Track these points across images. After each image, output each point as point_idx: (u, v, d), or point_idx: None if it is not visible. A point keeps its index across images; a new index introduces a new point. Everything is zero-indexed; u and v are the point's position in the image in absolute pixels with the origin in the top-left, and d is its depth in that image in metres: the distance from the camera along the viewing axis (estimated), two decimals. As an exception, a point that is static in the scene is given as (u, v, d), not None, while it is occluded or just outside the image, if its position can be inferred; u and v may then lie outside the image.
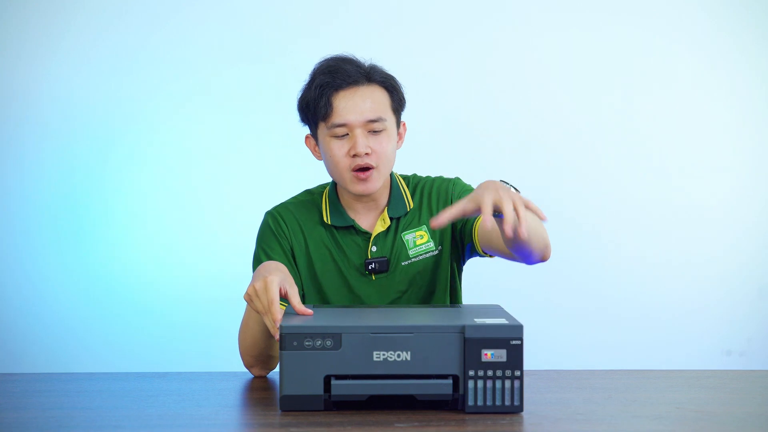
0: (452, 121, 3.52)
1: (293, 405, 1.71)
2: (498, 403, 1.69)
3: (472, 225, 2.20)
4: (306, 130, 2.24)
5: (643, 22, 3.55)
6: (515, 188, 1.95)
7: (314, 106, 2.14)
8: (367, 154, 2.12)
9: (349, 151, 2.13)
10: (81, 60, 3.44)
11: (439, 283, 2.25)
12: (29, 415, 1.75)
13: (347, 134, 2.13)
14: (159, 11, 3.45)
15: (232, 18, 3.47)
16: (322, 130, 2.15)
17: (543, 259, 2.10)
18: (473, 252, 2.25)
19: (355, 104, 2.12)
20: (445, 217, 1.82)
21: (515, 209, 1.75)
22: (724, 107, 3.57)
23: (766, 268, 3.58)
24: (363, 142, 2.12)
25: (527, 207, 1.78)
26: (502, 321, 1.74)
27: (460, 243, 2.26)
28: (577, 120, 3.55)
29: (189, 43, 3.46)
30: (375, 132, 2.14)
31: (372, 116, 2.13)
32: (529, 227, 1.90)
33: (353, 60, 2.18)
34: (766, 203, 3.58)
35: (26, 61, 3.43)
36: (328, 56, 2.19)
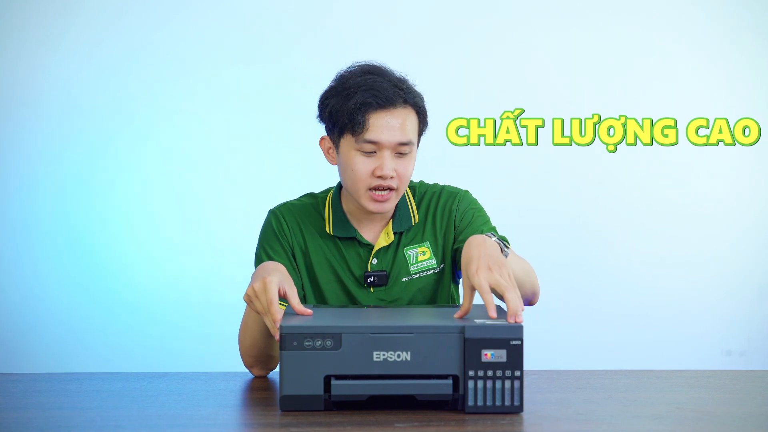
0: (451, 121, 3.52)
1: (293, 405, 1.71)
2: (498, 403, 1.70)
3: None
4: (319, 130, 2.21)
5: (643, 22, 3.55)
6: (503, 243, 1.94)
7: (347, 120, 2.09)
8: (392, 177, 2.11)
9: (374, 170, 2.10)
10: (81, 60, 3.44)
11: (439, 300, 2.23)
12: (29, 415, 1.75)
13: (374, 152, 2.11)
14: (159, 11, 3.46)
15: (232, 18, 3.47)
16: (348, 141, 2.12)
17: (529, 304, 2.16)
18: None
19: (390, 125, 2.09)
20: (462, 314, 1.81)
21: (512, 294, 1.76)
22: (724, 107, 3.57)
23: (766, 268, 3.58)
24: (390, 164, 2.10)
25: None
26: (502, 321, 1.74)
27: (453, 264, 2.26)
28: (576, 119, 3.54)
29: (189, 43, 3.46)
30: (401, 154, 2.12)
31: (403, 139, 2.10)
32: (517, 277, 1.97)
33: (389, 74, 2.14)
34: (766, 203, 3.58)
35: (26, 61, 3.43)
36: (364, 66, 2.15)
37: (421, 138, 2.20)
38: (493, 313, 1.76)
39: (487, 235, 1.93)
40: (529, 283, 2.10)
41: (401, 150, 2.11)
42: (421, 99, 2.16)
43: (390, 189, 2.12)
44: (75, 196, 3.44)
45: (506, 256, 1.95)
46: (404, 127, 2.11)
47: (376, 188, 2.11)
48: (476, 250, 1.85)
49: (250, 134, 3.49)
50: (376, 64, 2.16)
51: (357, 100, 2.09)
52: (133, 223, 3.46)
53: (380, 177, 2.10)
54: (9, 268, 3.43)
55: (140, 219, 3.46)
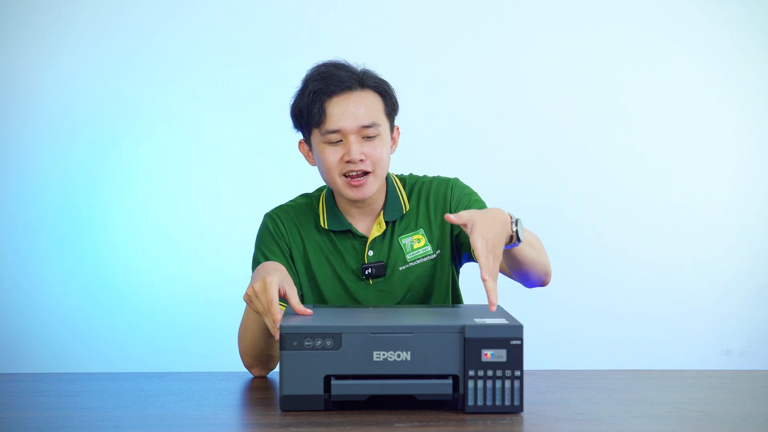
0: (452, 122, 3.52)
1: (293, 405, 1.71)
2: (498, 403, 1.70)
3: None
4: (299, 136, 2.23)
5: (643, 23, 3.55)
6: (516, 223, 1.93)
7: (307, 113, 2.13)
8: (361, 160, 2.11)
9: (342, 157, 2.11)
10: (81, 60, 3.44)
11: (437, 287, 2.23)
12: (29, 415, 1.76)
13: (341, 140, 2.12)
14: (159, 11, 3.45)
15: (232, 18, 3.47)
16: (315, 136, 2.14)
17: (542, 285, 2.17)
18: (470, 259, 2.25)
19: (349, 110, 2.11)
20: (453, 220, 1.87)
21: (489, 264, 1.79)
22: (724, 107, 3.57)
23: (766, 268, 3.58)
24: (357, 148, 2.11)
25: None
26: (502, 321, 1.74)
27: (457, 249, 2.25)
28: (577, 120, 3.55)
29: (189, 43, 3.46)
30: (369, 138, 2.13)
31: (366, 122, 2.12)
32: (531, 255, 2.03)
33: (345, 65, 2.16)
34: (766, 203, 3.58)
35: (26, 61, 3.43)
36: (320, 63, 2.18)
37: (394, 121, 2.20)
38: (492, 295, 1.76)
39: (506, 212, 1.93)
40: (540, 265, 2.09)
41: (367, 133, 2.12)
42: (384, 83, 2.17)
43: (364, 173, 2.13)
44: (75, 195, 3.44)
45: (518, 236, 1.93)
46: (365, 111, 2.12)
47: (348, 174, 2.12)
48: (489, 216, 1.86)
49: (251, 134, 3.48)
50: (333, 60, 2.18)
51: (310, 90, 2.13)
52: (133, 223, 3.46)
53: (349, 162, 2.11)
54: (9, 267, 3.43)
55: (140, 219, 3.46)
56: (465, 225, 1.85)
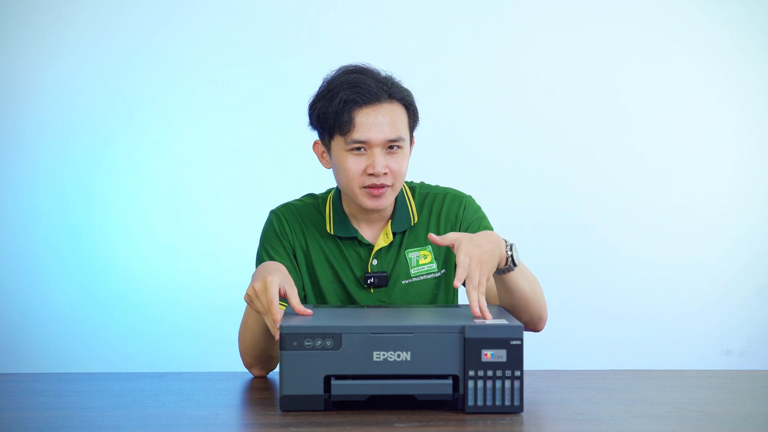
0: (451, 122, 3.52)
1: (293, 405, 1.71)
2: (498, 403, 1.70)
3: None
4: (314, 135, 2.20)
5: (643, 23, 3.55)
6: (512, 252, 1.95)
7: (334, 120, 2.10)
8: (384, 174, 2.11)
9: (366, 168, 2.10)
10: (81, 60, 3.44)
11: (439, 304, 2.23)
12: (29, 415, 1.76)
13: (364, 150, 2.11)
14: (159, 11, 3.45)
15: (233, 18, 3.47)
16: (338, 143, 2.12)
17: (534, 329, 2.15)
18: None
19: (377, 122, 2.09)
20: (438, 242, 1.93)
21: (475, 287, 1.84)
22: (724, 107, 3.57)
23: (766, 268, 3.58)
24: (381, 161, 2.10)
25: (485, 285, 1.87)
26: (502, 321, 1.74)
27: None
28: (577, 120, 3.54)
29: (189, 43, 3.46)
30: (392, 150, 2.12)
31: (392, 136, 2.10)
32: (525, 288, 2.03)
33: (373, 72, 2.14)
34: (766, 203, 3.58)
35: (26, 61, 3.42)
36: (348, 67, 2.16)
37: (414, 134, 2.20)
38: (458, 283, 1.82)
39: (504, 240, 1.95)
40: (534, 303, 2.08)
41: (392, 146, 2.12)
42: (409, 94, 2.16)
43: (385, 186, 2.12)
44: (75, 196, 3.43)
45: (513, 259, 1.95)
46: (392, 124, 2.11)
47: (369, 186, 2.12)
48: (479, 240, 1.89)
49: (249, 134, 3.48)
50: (359, 64, 2.16)
51: (341, 98, 2.09)
52: (133, 223, 3.45)
53: (372, 175, 2.10)
54: (9, 268, 3.43)
55: (140, 219, 3.45)
56: (452, 245, 1.89)
